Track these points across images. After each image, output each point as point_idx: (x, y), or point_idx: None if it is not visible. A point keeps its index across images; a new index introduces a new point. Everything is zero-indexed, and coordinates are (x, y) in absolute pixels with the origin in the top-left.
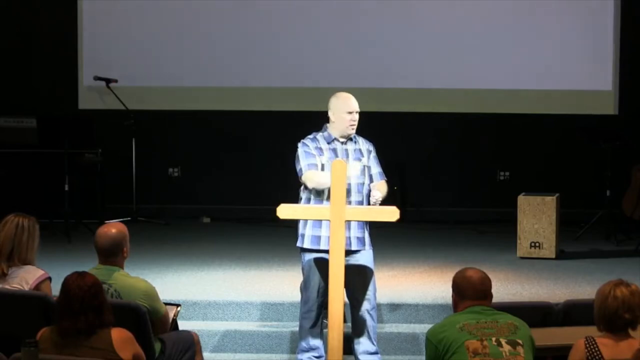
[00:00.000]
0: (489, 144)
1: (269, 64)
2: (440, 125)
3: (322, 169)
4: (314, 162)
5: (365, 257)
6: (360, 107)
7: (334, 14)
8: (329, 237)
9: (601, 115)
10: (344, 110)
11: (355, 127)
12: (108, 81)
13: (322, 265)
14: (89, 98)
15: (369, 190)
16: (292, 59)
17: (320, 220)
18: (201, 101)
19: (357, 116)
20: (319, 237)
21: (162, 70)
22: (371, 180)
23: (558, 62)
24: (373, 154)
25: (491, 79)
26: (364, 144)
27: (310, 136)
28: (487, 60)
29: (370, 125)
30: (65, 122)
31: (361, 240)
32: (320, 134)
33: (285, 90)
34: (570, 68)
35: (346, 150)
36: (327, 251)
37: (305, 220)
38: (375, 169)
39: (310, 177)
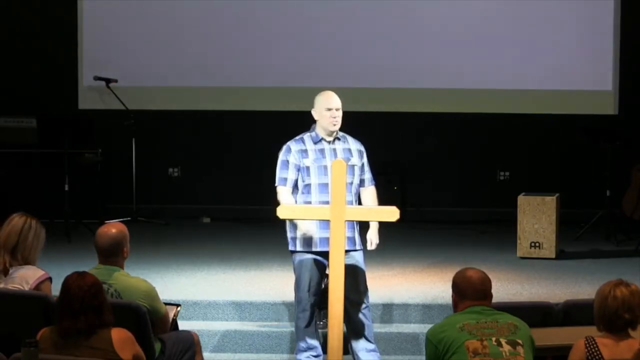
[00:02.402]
0: (489, 144)
1: (269, 64)
2: (440, 125)
3: (307, 171)
4: (285, 175)
5: (355, 257)
6: (360, 107)
7: (334, 14)
8: (320, 239)
9: (601, 115)
10: (324, 107)
11: (337, 123)
12: (108, 81)
13: (312, 265)
14: (89, 98)
15: (358, 188)
16: (292, 59)
17: (310, 222)
18: (201, 101)
19: (337, 113)
20: (310, 239)
21: (162, 70)
22: (362, 185)
23: (558, 62)
24: (365, 157)
25: (491, 79)
26: (353, 144)
27: (297, 137)
28: (487, 60)
29: (371, 125)
30: (65, 122)
31: (351, 240)
32: (308, 134)
33: (286, 91)
34: (570, 68)
35: (334, 149)
36: (318, 252)
37: (294, 224)
38: (368, 174)
39: (279, 194)
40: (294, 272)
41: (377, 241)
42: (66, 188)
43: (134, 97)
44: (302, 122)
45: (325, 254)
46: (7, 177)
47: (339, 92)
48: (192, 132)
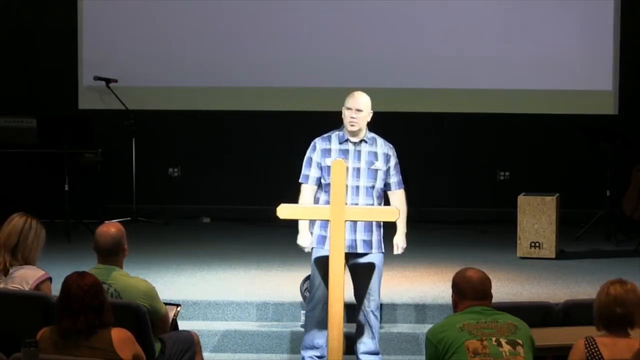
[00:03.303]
0: (489, 144)
1: (269, 64)
2: (440, 125)
3: (328, 171)
4: (308, 173)
5: (372, 260)
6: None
7: (334, 14)
8: None
9: (601, 115)
10: (345, 106)
11: (355, 124)
12: (108, 81)
13: (327, 264)
14: (89, 98)
15: (381, 192)
16: (292, 59)
17: (327, 221)
18: (201, 101)
19: (357, 114)
20: (324, 237)
21: (162, 70)
22: (388, 188)
23: (558, 62)
24: (394, 160)
25: (491, 79)
26: (382, 147)
27: (326, 135)
28: (487, 60)
29: (371, 125)
30: (65, 122)
31: (367, 243)
32: (336, 132)
33: (285, 90)
34: (570, 68)
35: (359, 151)
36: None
37: (314, 220)
38: (395, 178)
39: (300, 192)
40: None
41: (404, 245)
42: (66, 188)
43: (134, 97)
44: (302, 121)
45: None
46: (7, 177)
47: (340, 92)
48: (192, 132)
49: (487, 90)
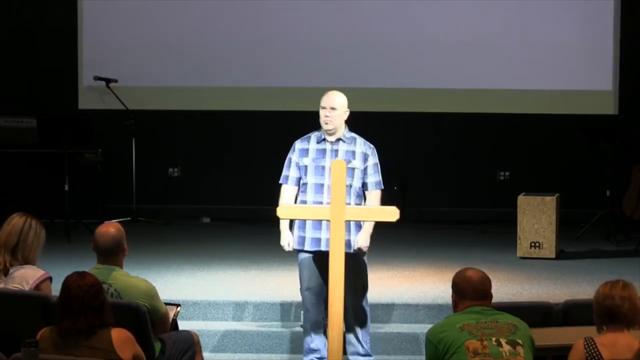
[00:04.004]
0: (489, 144)
1: (269, 64)
2: (440, 125)
3: (305, 170)
4: (287, 173)
5: (352, 259)
6: (360, 107)
7: (334, 14)
8: (312, 238)
9: (601, 115)
10: (320, 105)
11: (329, 122)
12: (108, 81)
13: (307, 265)
14: (89, 98)
15: (360, 191)
16: (292, 59)
17: (304, 222)
18: (201, 101)
19: (331, 112)
20: (303, 238)
21: (162, 70)
22: (366, 188)
23: (558, 62)
24: (373, 160)
25: (491, 79)
26: (361, 146)
27: (306, 135)
28: (487, 60)
29: (371, 125)
30: (65, 122)
31: (345, 243)
32: (316, 133)
33: (285, 90)
34: (570, 68)
35: (336, 150)
36: (309, 251)
37: (294, 222)
38: (372, 178)
39: (280, 193)
40: None
41: (365, 244)
42: (66, 188)
43: (134, 97)
44: (302, 121)
45: (315, 254)
46: (7, 177)
47: (339, 92)
48: (192, 132)
49: (487, 90)
